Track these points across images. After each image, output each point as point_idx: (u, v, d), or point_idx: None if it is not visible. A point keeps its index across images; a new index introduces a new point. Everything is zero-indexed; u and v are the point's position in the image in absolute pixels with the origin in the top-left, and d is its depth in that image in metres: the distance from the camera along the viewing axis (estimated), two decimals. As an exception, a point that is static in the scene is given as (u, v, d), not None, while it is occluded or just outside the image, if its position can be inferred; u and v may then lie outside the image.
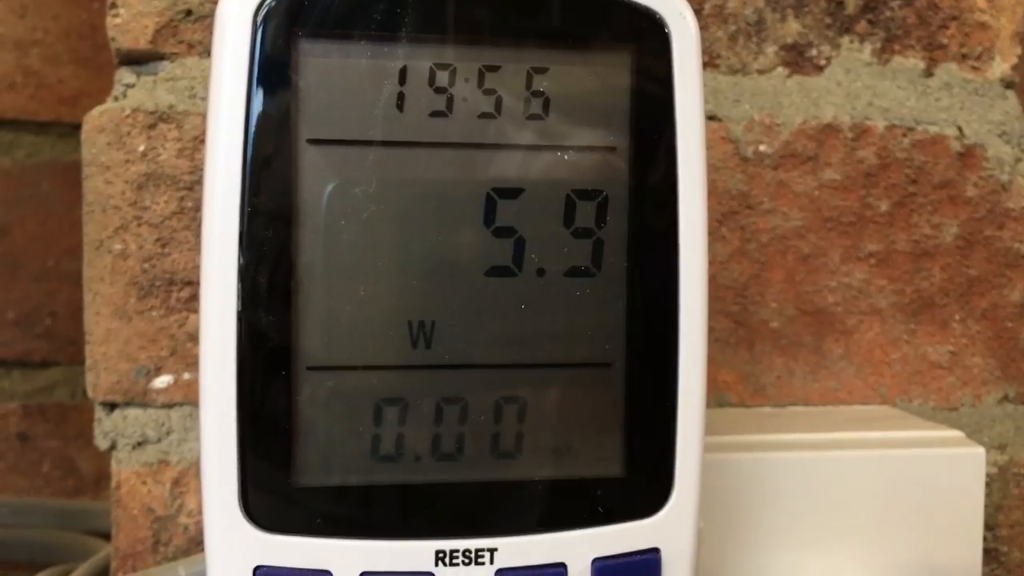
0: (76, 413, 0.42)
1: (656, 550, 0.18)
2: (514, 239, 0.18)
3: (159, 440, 0.28)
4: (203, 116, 0.28)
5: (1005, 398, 0.31)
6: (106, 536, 0.40)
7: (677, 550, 0.18)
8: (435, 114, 0.18)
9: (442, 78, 0.18)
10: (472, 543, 0.18)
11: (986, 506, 0.29)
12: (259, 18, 0.17)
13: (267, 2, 0.17)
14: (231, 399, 0.17)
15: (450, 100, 0.18)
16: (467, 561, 0.18)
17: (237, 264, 0.17)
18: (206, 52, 0.28)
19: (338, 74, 0.18)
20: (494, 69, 0.18)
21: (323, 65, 0.18)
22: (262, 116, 0.17)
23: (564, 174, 0.18)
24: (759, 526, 0.24)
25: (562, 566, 0.18)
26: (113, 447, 0.28)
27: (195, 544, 0.28)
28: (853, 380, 0.30)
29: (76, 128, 0.43)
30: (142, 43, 0.27)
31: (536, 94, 0.18)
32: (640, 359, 0.19)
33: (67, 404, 0.42)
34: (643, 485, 0.18)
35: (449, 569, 0.18)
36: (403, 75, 0.18)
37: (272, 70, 0.17)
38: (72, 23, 0.41)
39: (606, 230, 0.18)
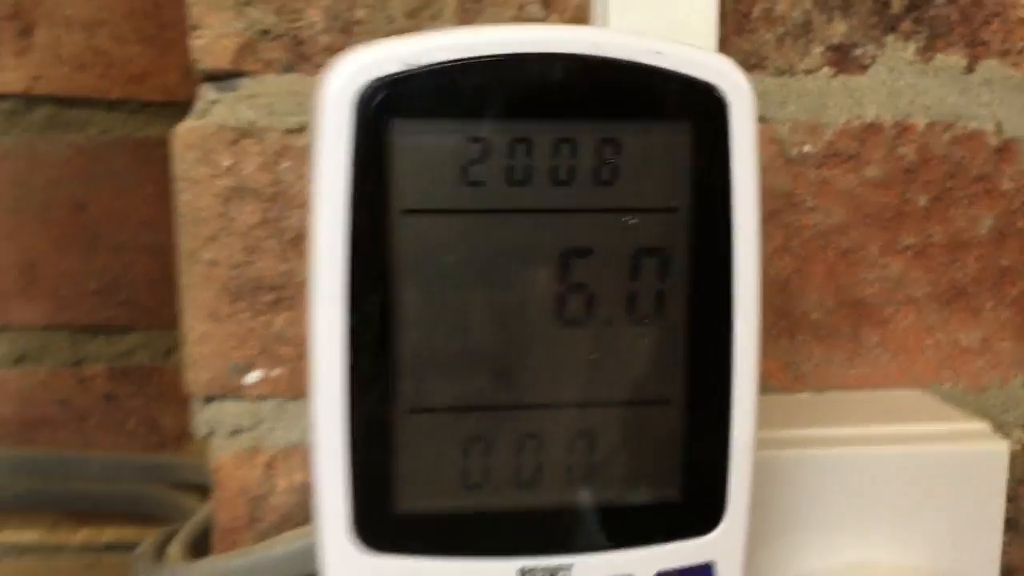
0: (157, 374, 0.45)
1: (711, 564, 0.21)
2: (585, 294, 0.20)
3: (252, 429, 0.30)
4: (281, 131, 0.29)
5: (1032, 379, 0.33)
6: (189, 488, 0.44)
7: (729, 562, 0.21)
8: (514, 184, 0.20)
9: (520, 151, 0.20)
10: (551, 560, 0.21)
11: (1009, 480, 0.31)
12: (358, 101, 0.19)
13: (366, 88, 0.19)
14: (342, 439, 0.20)
15: (528, 170, 0.20)
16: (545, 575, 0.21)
17: (343, 324, 0.20)
18: (283, 69, 0.29)
19: (428, 150, 0.20)
20: (568, 141, 0.20)
21: (414, 142, 0.19)
22: (360, 189, 0.19)
23: (630, 235, 0.20)
24: (791, 519, 0.27)
25: (628, 579, 0.21)
26: (211, 435, 0.31)
27: (287, 521, 0.31)
28: (888, 366, 0.32)
29: (145, 105, 0.45)
30: (224, 63, 0.29)
31: (605, 163, 0.20)
32: (697, 397, 0.21)
33: (148, 366, 0.45)
34: (699, 508, 0.21)
35: (531, 582, 0.21)
36: (486, 149, 0.20)
37: (369, 147, 0.19)
38: (136, 3, 0.43)
39: (668, 283, 0.20)
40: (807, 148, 0.31)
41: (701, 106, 0.20)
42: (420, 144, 0.20)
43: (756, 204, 0.20)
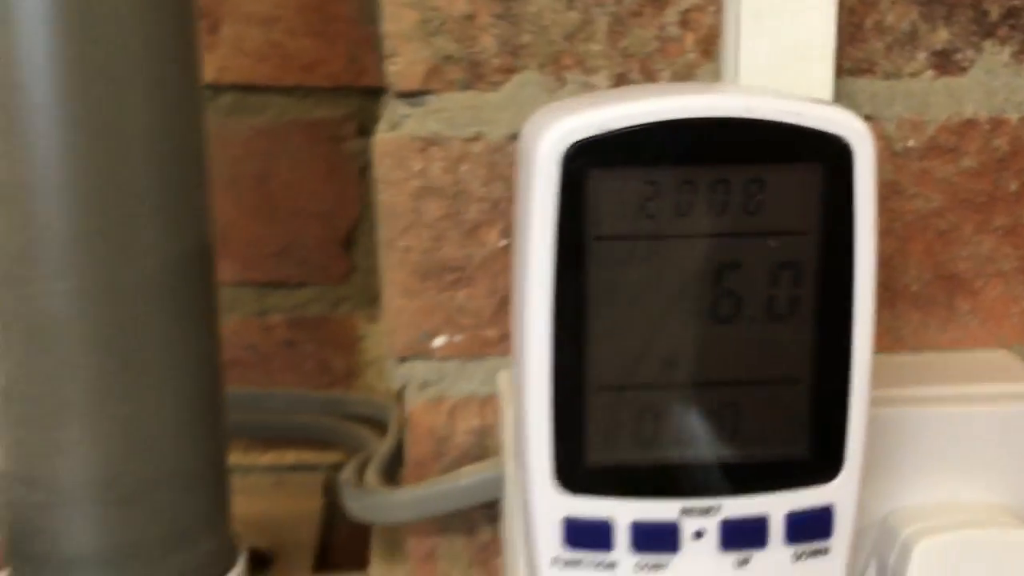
0: (327, 323, 0.52)
1: (831, 506, 0.27)
2: (734, 298, 0.26)
3: (437, 383, 0.37)
4: (461, 140, 0.35)
5: (1107, 338, 0.38)
6: (355, 419, 0.51)
7: (845, 505, 0.27)
8: (681, 215, 0.25)
9: (686, 190, 0.25)
10: (705, 502, 0.27)
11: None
12: (563, 158, 0.25)
13: (569, 147, 0.25)
14: (548, 412, 0.26)
15: (691, 204, 0.25)
16: (703, 512, 0.27)
17: (550, 324, 0.26)
18: (461, 87, 0.35)
19: (615, 191, 0.25)
20: (723, 181, 0.25)
21: (605, 186, 0.25)
22: (564, 220, 0.25)
23: (771, 252, 0.26)
24: (891, 464, 0.33)
25: (765, 517, 0.27)
26: (404, 388, 0.37)
27: (465, 457, 0.38)
28: (977, 330, 0.37)
29: (314, 91, 0.51)
30: (414, 84, 0.35)
31: (752, 197, 0.25)
32: (822, 376, 0.27)
33: (320, 316, 0.52)
34: (822, 462, 0.27)
35: (689, 518, 0.27)
36: (659, 190, 0.25)
37: (571, 190, 0.25)
38: (306, 0, 0.49)
39: (800, 289, 0.26)
40: (911, 143, 0.36)
41: (831, 152, 0.25)
42: (609, 187, 0.25)
43: (874, 226, 0.26)
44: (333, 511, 0.52)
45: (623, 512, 0.27)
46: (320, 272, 0.51)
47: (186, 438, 0.33)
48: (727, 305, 0.26)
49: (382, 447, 0.43)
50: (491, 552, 0.39)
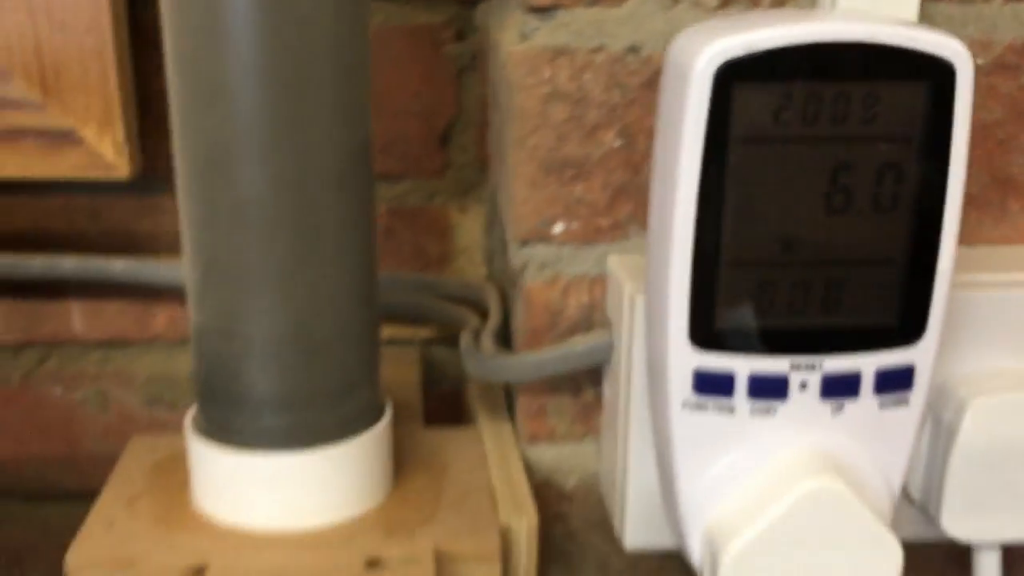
0: (424, 213, 0.57)
1: (913, 365, 0.33)
2: (846, 193, 0.31)
3: (554, 264, 0.43)
4: (586, 51, 0.40)
5: None
6: (448, 299, 0.57)
7: (924, 366, 0.33)
8: (807, 123, 0.31)
9: (812, 101, 0.30)
10: (812, 359, 0.33)
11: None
12: (715, 74, 0.30)
13: (719, 66, 0.30)
14: (688, 283, 0.32)
15: (816, 114, 0.31)
16: (808, 368, 0.33)
17: (695, 209, 0.31)
18: (588, 4, 0.40)
19: (755, 102, 0.30)
20: (843, 95, 0.30)
21: (746, 97, 0.30)
22: (712, 124, 0.30)
23: (880, 155, 0.31)
24: (955, 337, 0.39)
25: (859, 373, 0.33)
26: (524, 268, 0.43)
27: (575, 328, 0.43)
28: (1024, 228, 0.43)
29: (415, -2, 0.55)
30: (545, 1, 0.39)
31: (867, 108, 0.31)
32: (914, 259, 0.32)
33: (417, 207, 0.57)
34: (908, 329, 0.33)
35: (796, 372, 0.33)
36: (790, 101, 0.30)
37: (719, 100, 0.30)
38: (411, -88, 0.52)
39: (902, 187, 0.31)
40: (979, 61, 0.41)
41: (937, 71, 0.30)
42: (750, 98, 0.30)
43: (967, 136, 0.31)
44: (428, 379, 0.58)
45: (743, 366, 0.33)
46: (418, 166, 0.56)
47: (354, 302, 0.38)
48: (840, 199, 0.32)
49: (491, 321, 0.49)
50: (593, 410, 0.45)
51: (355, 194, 0.38)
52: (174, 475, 0.42)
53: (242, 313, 0.37)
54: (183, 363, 0.57)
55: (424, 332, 0.58)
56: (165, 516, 0.39)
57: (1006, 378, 0.39)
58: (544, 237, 0.42)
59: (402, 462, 0.43)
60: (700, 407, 0.33)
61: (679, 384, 0.33)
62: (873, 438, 0.34)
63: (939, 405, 0.39)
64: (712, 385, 0.33)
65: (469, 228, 0.57)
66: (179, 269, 0.52)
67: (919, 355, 0.33)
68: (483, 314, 0.52)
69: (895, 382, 0.33)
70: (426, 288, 0.57)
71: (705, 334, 0.33)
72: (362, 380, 0.40)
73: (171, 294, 0.55)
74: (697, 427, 0.34)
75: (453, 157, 0.56)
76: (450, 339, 0.58)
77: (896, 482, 0.35)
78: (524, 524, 0.40)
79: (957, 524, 0.40)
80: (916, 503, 0.41)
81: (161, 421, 0.57)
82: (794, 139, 0.31)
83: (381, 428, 0.40)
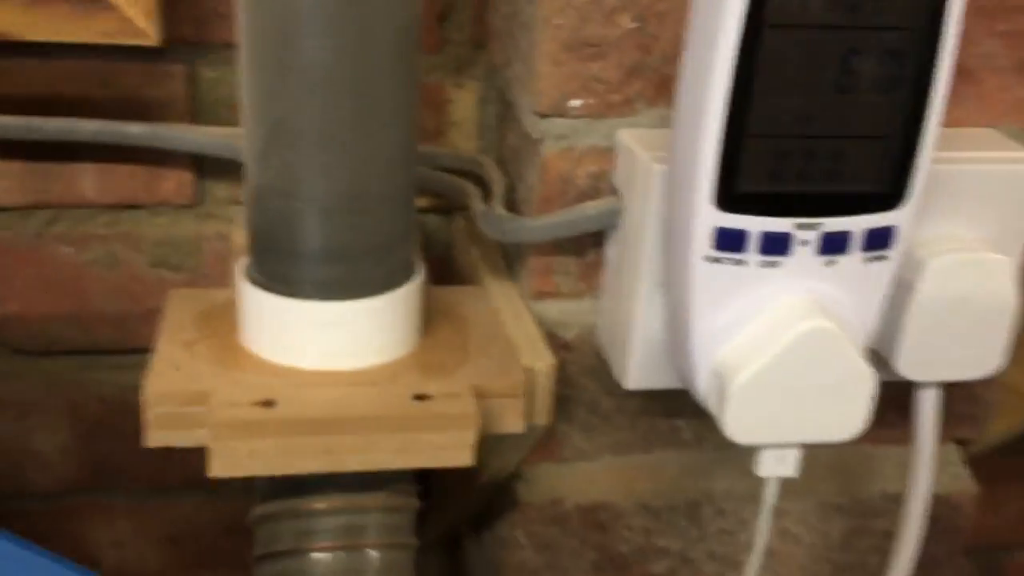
0: (422, 88, 0.60)
1: (896, 226, 0.39)
2: (854, 75, 0.37)
3: (569, 137, 0.47)
4: (609, -63, 0.44)
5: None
6: (446, 171, 0.60)
7: (905, 227, 0.39)
8: (826, 10, 0.35)
9: (834, -6, 0.35)
10: (813, 221, 0.38)
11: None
12: (754, -35, 0.34)
13: (759, -43, 0.34)
14: (715, 148, 0.37)
15: (837, 3, 0.35)
16: (810, 228, 0.38)
17: (728, 87, 0.36)
18: None
19: (784, -7, 0.35)
20: (859, -12, 0.35)
21: (778, -13, 0.35)
22: (749, 11, 0.35)
23: (883, 41, 0.36)
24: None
25: (851, 233, 0.39)
26: (542, 139, 0.47)
27: (585, 196, 0.48)
28: (974, 113, 0.49)
29: None
30: None
31: (875, 2, 0.36)
32: (904, 136, 0.38)
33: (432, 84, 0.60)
34: (895, 196, 0.39)
35: (799, 231, 0.38)
36: (816, -8, 0.35)
37: (752, -11, 0.35)
38: None
39: (901, 70, 0.37)
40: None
41: (936, -29, 0.35)
42: (782, -12, 0.35)
43: (958, 28, 0.36)
44: (425, 247, 0.63)
45: (756, 225, 0.38)
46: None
47: (401, 166, 0.42)
48: (848, 80, 0.37)
49: (497, 189, 0.53)
50: (594, 269, 0.50)
51: (407, 65, 0.41)
52: (221, 322, 0.46)
53: (303, 173, 0.40)
54: (189, 227, 0.60)
55: (420, 201, 0.62)
56: (224, 358, 0.43)
57: (958, 242, 0.46)
58: (562, 111, 0.47)
59: (426, 315, 0.48)
60: (717, 261, 0.39)
61: (701, 241, 0.39)
62: (856, 288, 0.40)
63: (901, 265, 0.45)
64: (729, 242, 0.39)
65: (464, 103, 0.60)
66: (194, 134, 0.55)
67: (902, 218, 0.39)
68: (479, 184, 0.56)
69: (880, 241, 0.39)
70: (424, 160, 0.60)
71: (727, 198, 0.38)
72: (404, 237, 0.44)
73: (179, 161, 0.57)
74: (713, 278, 0.39)
75: (451, 34, 0.59)
76: (440, 208, 0.62)
77: (870, 326, 0.42)
78: (544, 366, 0.46)
79: (909, 366, 0.47)
80: (872, 348, 0.48)
81: (167, 281, 0.60)
82: (817, 26, 0.36)
83: (418, 281, 0.45)
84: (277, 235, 0.42)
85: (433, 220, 0.63)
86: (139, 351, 0.62)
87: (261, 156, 0.41)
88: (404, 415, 0.41)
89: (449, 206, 0.62)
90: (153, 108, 0.56)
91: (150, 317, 0.61)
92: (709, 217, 0.38)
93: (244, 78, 0.40)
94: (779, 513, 0.58)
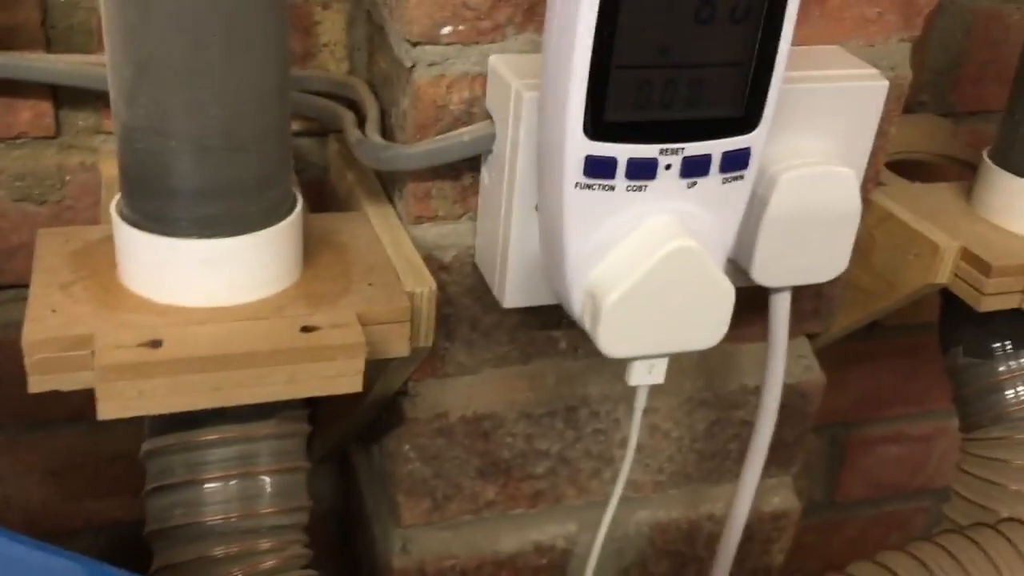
0: (295, 11, 0.59)
1: (751, 148, 0.42)
2: (712, 7, 0.38)
3: (441, 63, 0.48)
4: None
5: (901, 40, 0.54)
6: (316, 94, 0.60)
7: (758, 148, 0.42)
8: (685, -53, 0.37)
9: (691, -71, 0.37)
10: (676, 146, 0.41)
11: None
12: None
13: None
14: (582, 83, 0.38)
15: (693, -60, 0.37)
16: (673, 153, 0.41)
17: (594, 22, 0.37)
18: None
19: (645, -72, 0.36)
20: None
21: (639, -77, 0.36)
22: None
23: (739, -24, 0.38)
24: (772, 128, 0.48)
25: (710, 155, 0.41)
26: (414, 66, 0.48)
27: (458, 122, 0.49)
28: (822, 31, 0.52)
29: None
30: None
31: (732, -64, 0.37)
32: (758, 62, 0.40)
33: (277, 2, 0.59)
34: (750, 119, 0.41)
35: (663, 156, 0.41)
36: (674, -72, 0.37)
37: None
38: None
39: (754, 5, 0.39)
40: None
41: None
42: (642, -75, 0.36)
43: (802, -34, 0.38)
44: (300, 171, 0.62)
45: (623, 152, 0.40)
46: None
47: (274, 101, 0.42)
48: (707, 11, 0.39)
49: (371, 114, 0.53)
50: (470, 193, 0.51)
51: (281, 4, 0.41)
52: (99, 262, 0.45)
53: (174, 111, 0.40)
54: (50, 158, 0.58)
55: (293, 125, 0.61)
56: (105, 299, 0.43)
57: (807, 156, 0.49)
58: (433, 39, 0.47)
59: (307, 244, 0.48)
60: (588, 187, 0.41)
61: (572, 169, 0.40)
62: (716, 207, 0.43)
63: (755, 181, 0.48)
64: (599, 169, 0.40)
65: (331, 24, 0.60)
66: (49, 63, 0.53)
67: (755, 140, 0.42)
68: (351, 107, 0.56)
69: (736, 162, 0.42)
70: (295, 83, 0.60)
71: (596, 128, 0.40)
72: (282, 170, 0.44)
73: (35, 91, 0.55)
74: (585, 203, 0.41)
75: (313, -46, 0.58)
76: (314, 131, 0.62)
77: (729, 242, 0.45)
78: (425, 290, 0.48)
79: (764, 274, 0.50)
80: (730, 258, 0.51)
81: (32, 215, 0.58)
82: (678, -37, 0.37)
83: (296, 215, 0.45)
84: (151, 174, 0.41)
85: (306, 143, 0.63)
86: (5, 287, 0.60)
87: (130, 95, 0.40)
88: (292, 348, 0.42)
89: (323, 129, 0.62)
90: (3, 36, 0.54)
91: (16, 253, 0.59)
92: (580, 146, 0.40)
93: (105, 14, 0.39)
94: (649, 411, 0.62)
